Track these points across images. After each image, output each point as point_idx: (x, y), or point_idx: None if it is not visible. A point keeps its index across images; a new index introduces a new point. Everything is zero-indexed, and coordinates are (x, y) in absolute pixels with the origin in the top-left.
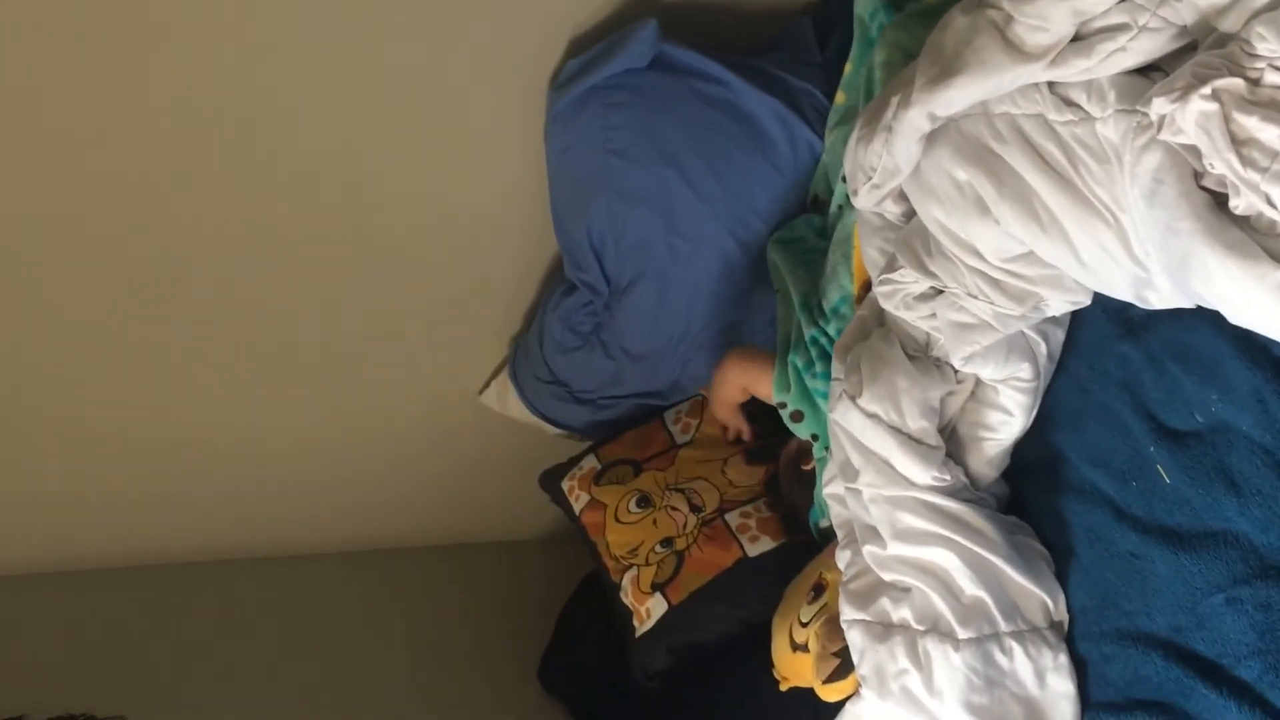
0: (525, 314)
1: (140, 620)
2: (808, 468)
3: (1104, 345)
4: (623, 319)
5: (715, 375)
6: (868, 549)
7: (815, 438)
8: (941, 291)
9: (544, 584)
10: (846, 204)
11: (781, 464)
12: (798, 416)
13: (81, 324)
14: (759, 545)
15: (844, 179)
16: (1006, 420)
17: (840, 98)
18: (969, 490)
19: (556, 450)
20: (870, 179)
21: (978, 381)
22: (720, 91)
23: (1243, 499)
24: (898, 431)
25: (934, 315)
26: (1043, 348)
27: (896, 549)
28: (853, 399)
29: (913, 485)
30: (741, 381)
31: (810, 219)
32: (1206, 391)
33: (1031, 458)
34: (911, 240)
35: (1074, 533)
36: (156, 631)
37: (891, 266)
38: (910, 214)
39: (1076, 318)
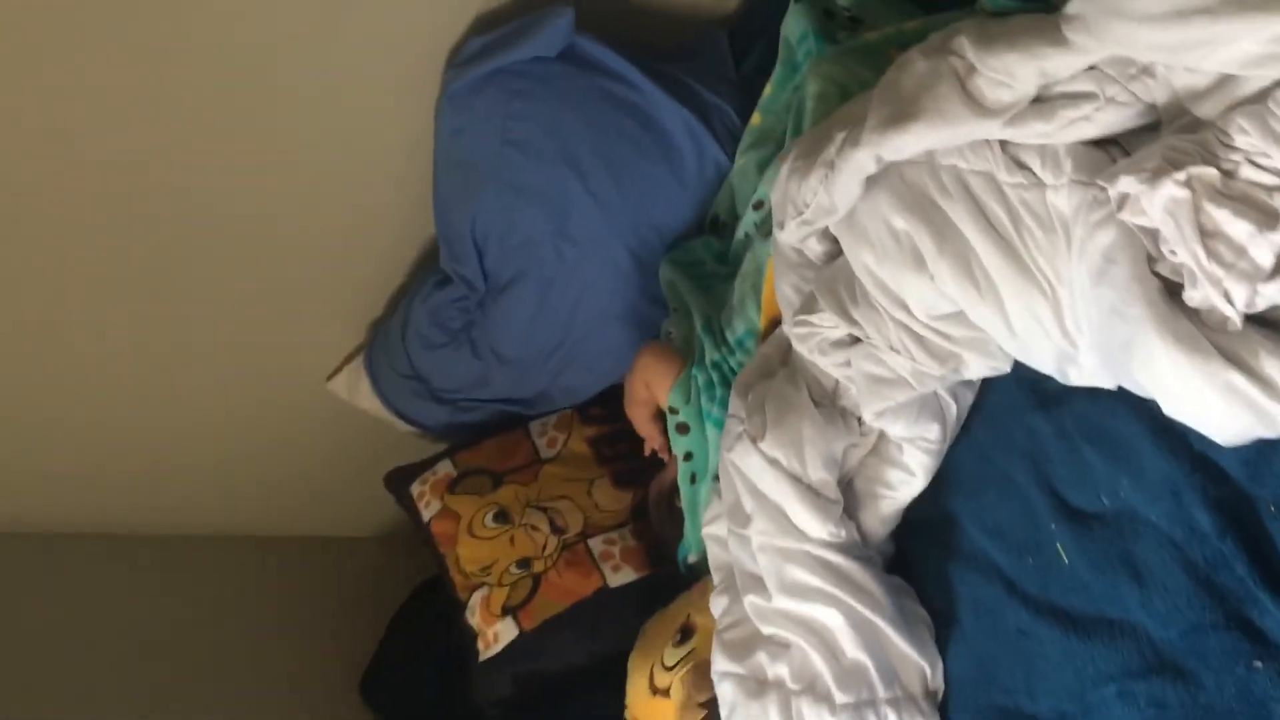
0: (389, 299)
1: None
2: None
3: (1013, 414)
4: (497, 319)
5: (630, 368)
6: (749, 599)
7: (689, 456)
8: (859, 340)
9: (372, 587)
10: (755, 232)
11: (651, 493)
12: (684, 429)
13: None
14: (621, 575)
15: (754, 206)
16: (907, 480)
17: (756, 119)
18: (859, 547)
19: (404, 448)
20: (801, 214)
21: (880, 436)
22: (631, 94)
23: (1145, 591)
24: (797, 481)
25: (848, 364)
26: (953, 410)
27: (781, 603)
28: (754, 441)
29: (806, 538)
30: (646, 376)
31: (708, 242)
32: (1116, 475)
33: (922, 518)
34: (835, 284)
35: (959, 600)
36: None
37: (810, 308)
38: (832, 255)
39: (987, 382)
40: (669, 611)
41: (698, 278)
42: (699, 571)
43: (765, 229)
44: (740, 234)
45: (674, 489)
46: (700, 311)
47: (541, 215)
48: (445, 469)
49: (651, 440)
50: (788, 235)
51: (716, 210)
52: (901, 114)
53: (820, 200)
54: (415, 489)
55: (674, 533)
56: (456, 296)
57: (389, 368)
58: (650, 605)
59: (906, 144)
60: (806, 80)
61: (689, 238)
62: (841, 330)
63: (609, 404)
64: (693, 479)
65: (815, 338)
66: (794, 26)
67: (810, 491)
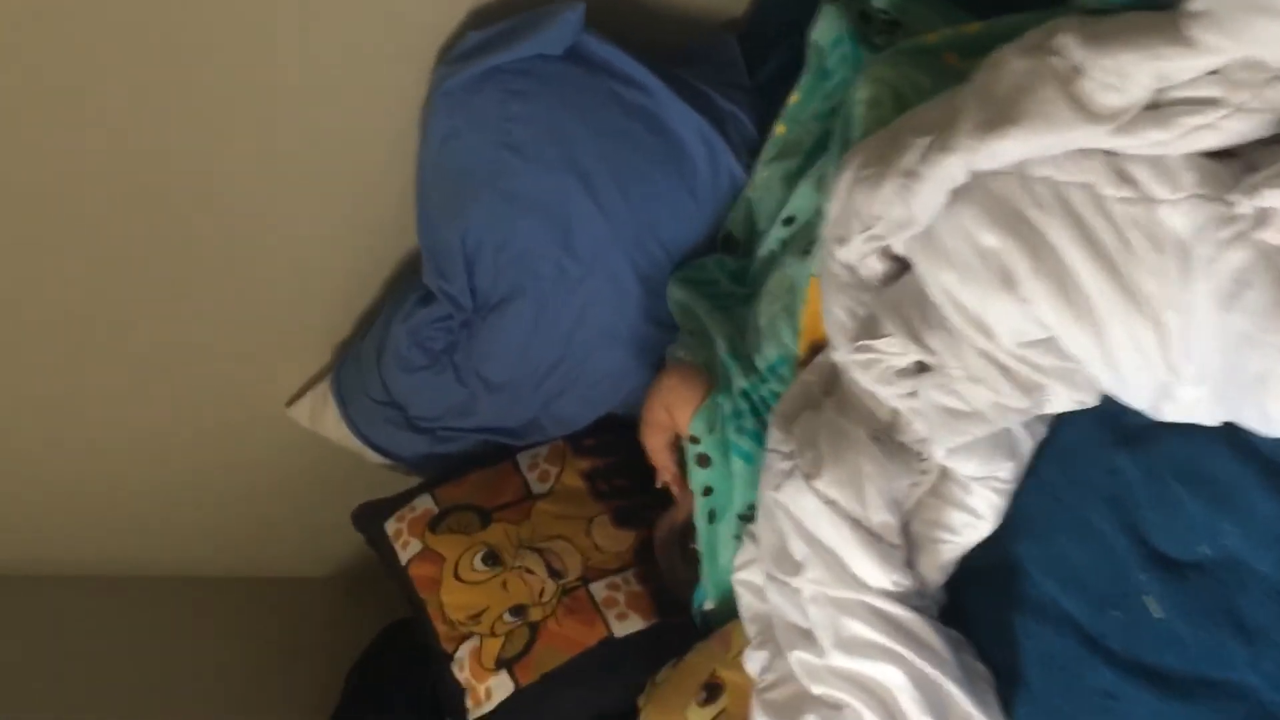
0: (359, 318)
1: None
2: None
3: (1090, 452)
4: (485, 341)
5: (649, 387)
6: (797, 655)
7: (709, 491)
8: (925, 369)
9: (326, 634)
10: (783, 249)
11: (659, 534)
12: (704, 461)
13: None
14: (627, 624)
15: (783, 221)
16: (972, 523)
17: (780, 129)
18: (918, 596)
19: (371, 481)
20: (869, 229)
21: (941, 475)
22: (641, 98)
23: (1254, 648)
24: (857, 524)
25: (914, 394)
26: (1027, 446)
27: (836, 660)
28: (807, 479)
29: (865, 588)
30: (667, 400)
31: (721, 260)
32: (1217, 520)
33: (980, 564)
34: (904, 306)
35: (1025, 655)
36: None
37: (872, 332)
38: (892, 275)
39: (1058, 416)
40: (686, 664)
41: (711, 298)
42: (714, 620)
43: (798, 246)
44: (764, 251)
45: (687, 528)
46: (724, 335)
47: (541, 227)
48: (425, 505)
49: (664, 471)
50: (849, 252)
51: (729, 227)
52: (1000, 118)
53: (895, 213)
54: (390, 527)
55: (687, 577)
56: (441, 315)
57: (360, 392)
58: (660, 657)
59: (1005, 150)
60: (856, 85)
61: (698, 255)
62: (909, 357)
63: (603, 434)
64: (711, 516)
65: (878, 365)
66: (826, 30)
67: (871, 536)
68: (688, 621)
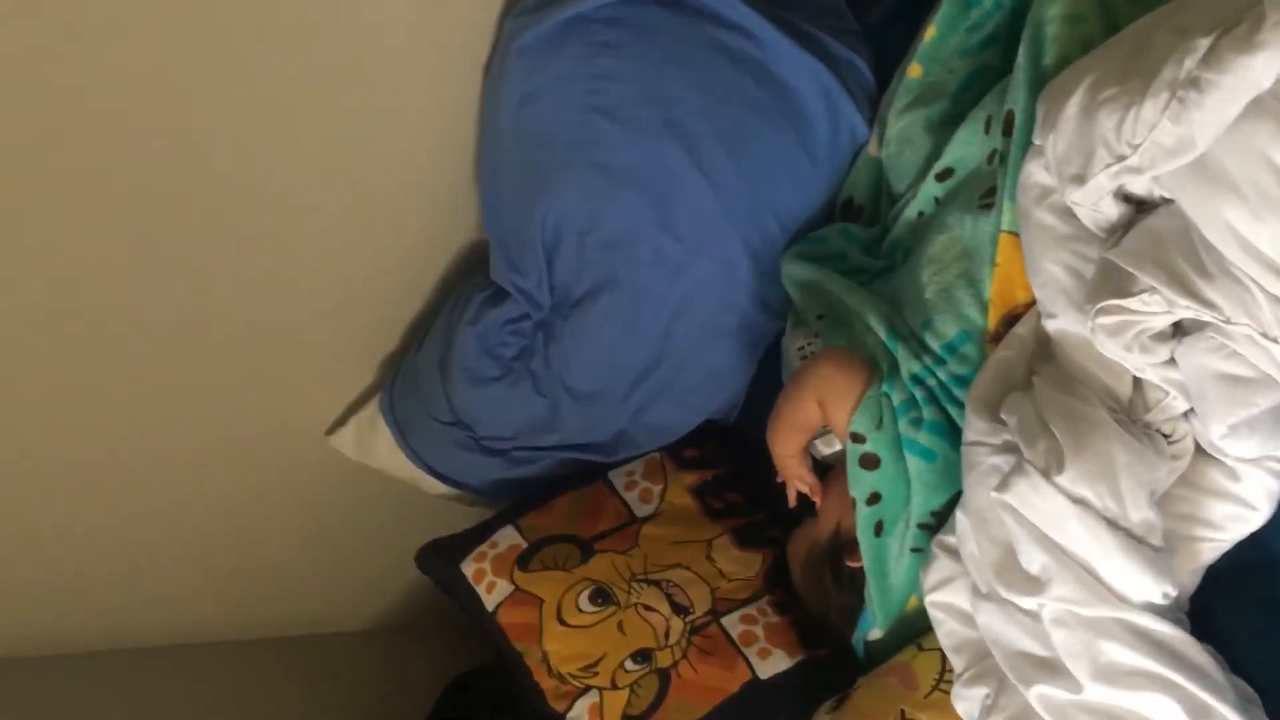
0: (409, 326)
1: None
2: (857, 564)
3: None
4: (569, 343)
5: (791, 381)
6: (1041, 690)
7: (875, 498)
8: (1183, 330)
9: (379, 698)
10: (938, 208)
11: (797, 554)
12: (871, 462)
13: None
14: (772, 663)
15: (937, 176)
16: (1242, 515)
17: (916, 71)
18: (1176, 610)
19: (420, 515)
20: (1123, 159)
21: (1195, 460)
22: (749, 46)
23: None
24: (1115, 526)
25: (1171, 362)
26: None
27: (1097, 693)
28: (1045, 474)
29: (1125, 604)
30: (821, 392)
31: (846, 230)
32: None
33: (1228, 564)
34: (1166, 254)
35: None
36: None
37: (1122, 289)
38: (1123, 224)
39: None
40: (856, 705)
41: (842, 273)
42: (879, 651)
43: (963, 201)
44: (910, 213)
45: (834, 545)
46: (879, 315)
47: (637, 203)
48: (510, 539)
49: (798, 481)
50: (1087, 193)
51: (850, 191)
52: None
53: (1164, 136)
54: (469, 567)
55: (840, 602)
56: (512, 316)
57: (423, 413)
58: (812, 698)
59: None
60: (1046, 1)
61: (814, 227)
62: (1174, 315)
63: (704, 443)
64: (878, 529)
65: (1132, 329)
66: None
67: (1133, 539)
68: (840, 654)
